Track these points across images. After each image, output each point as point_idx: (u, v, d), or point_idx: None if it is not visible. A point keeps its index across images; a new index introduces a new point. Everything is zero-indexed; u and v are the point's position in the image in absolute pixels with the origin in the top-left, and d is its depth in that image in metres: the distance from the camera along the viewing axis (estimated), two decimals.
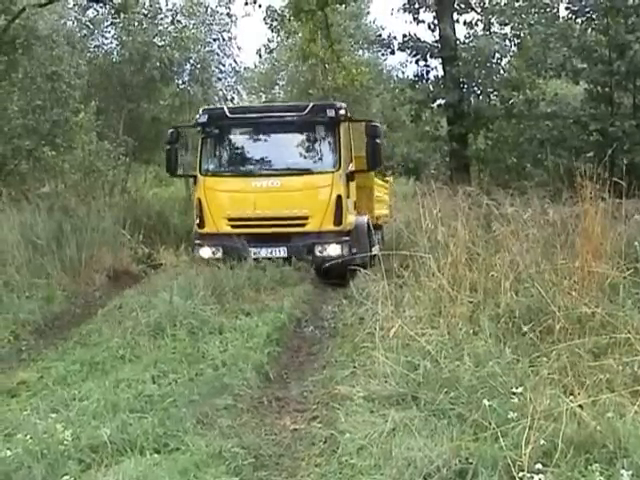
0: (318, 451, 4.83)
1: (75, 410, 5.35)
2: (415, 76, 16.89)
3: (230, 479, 4.40)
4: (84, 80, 19.35)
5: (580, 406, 4.30)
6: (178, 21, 23.48)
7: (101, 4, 19.35)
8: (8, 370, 7.02)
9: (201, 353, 6.94)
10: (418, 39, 16.54)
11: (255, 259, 11.55)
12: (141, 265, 12.92)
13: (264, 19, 20.83)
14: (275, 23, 20.80)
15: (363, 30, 34.21)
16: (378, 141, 12.51)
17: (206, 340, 7.37)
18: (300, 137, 12.92)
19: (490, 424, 4.27)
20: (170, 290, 8.62)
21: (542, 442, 3.95)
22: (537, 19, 15.21)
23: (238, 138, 13.22)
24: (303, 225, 12.06)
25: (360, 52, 34.07)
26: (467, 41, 16.77)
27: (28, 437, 4.73)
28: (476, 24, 16.69)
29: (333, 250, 11.89)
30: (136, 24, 22.25)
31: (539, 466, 3.72)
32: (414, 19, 16.76)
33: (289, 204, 12.06)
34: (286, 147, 12.96)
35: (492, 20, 16.63)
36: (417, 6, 16.79)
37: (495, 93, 16.48)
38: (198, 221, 12.49)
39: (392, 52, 17.00)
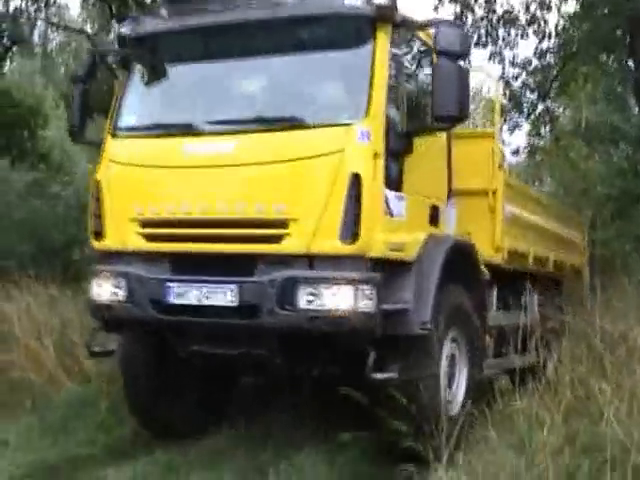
0: None
1: None
2: None
3: None
4: None
5: None
6: None
7: None
8: None
9: None
10: None
11: (175, 308, 6.44)
12: None
13: None
14: None
15: None
16: (461, 65, 6.43)
17: None
18: (291, 55, 6.81)
19: None
20: None
21: None
22: None
23: (176, 62, 7.15)
24: (277, 239, 6.20)
25: None
26: None
27: None
28: None
29: (338, 299, 5.95)
30: None
31: None
32: None
33: (249, 193, 6.30)
34: (258, 75, 7.00)
35: None
36: None
37: None
38: (94, 226, 6.98)
39: None
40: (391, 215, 6.43)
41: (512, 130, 21.65)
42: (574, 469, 5.38)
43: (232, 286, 6.23)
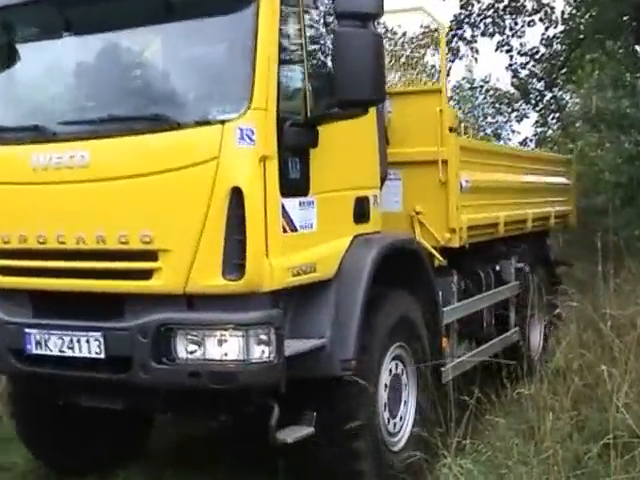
0: None
1: None
2: None
3: None
4: None
5: None
6: None
7: None
8: None
9: None
10: None
11: (36, 358, 5.13)
12: None
13: None
14: None
15: None
16: (372, 30, 5.06)
17: None
18: (154, 31, 5.17)
19: None
20: None
21: None
22: None
23: (25, 46, 5.62)
24: (146, 274, 4.79)
25: None
26: None
27: None
28: None
29: (225, 348, 4.57)
30: None
31: None
32: None
33: (108, 217, 4.89)
34: (114, 59, 5.31)
35: None
36: None
37: None
38: None
39: None
40: (294, 230, 4.93)
41: (520, 120, 21.69)
42: (583, 455, 5.36)
43: (97, 334, 4.87)
